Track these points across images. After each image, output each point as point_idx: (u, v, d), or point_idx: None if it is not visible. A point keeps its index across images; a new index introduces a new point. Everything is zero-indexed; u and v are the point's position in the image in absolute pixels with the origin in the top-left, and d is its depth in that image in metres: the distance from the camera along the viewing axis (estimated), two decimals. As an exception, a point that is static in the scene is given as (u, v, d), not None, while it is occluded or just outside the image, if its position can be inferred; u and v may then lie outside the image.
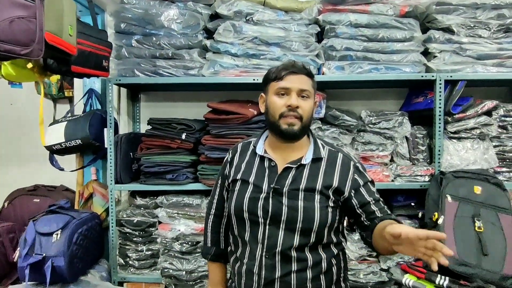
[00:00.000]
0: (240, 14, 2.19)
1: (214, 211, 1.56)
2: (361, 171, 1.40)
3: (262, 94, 1.44)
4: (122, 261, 2.32)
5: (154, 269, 2.31)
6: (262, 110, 1.43)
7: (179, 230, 2.19)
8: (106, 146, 2.29)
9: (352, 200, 1.35)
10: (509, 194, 2.01)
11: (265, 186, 1.35)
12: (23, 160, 2.87)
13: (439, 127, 2.12)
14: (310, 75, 1.38)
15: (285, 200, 1.32)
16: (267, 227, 1.32)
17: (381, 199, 1.39)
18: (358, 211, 1.36)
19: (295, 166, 1.35)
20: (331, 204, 1.33)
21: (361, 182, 1.37)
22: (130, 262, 2.31)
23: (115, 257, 2.30)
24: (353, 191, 1.35)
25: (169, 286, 2.26)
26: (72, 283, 1.94)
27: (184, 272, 2.18)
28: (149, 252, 2.31)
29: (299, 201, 1.31)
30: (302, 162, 1.35)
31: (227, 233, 1.55)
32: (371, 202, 1.35)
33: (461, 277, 1.76)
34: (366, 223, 1.35)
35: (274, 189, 1.33)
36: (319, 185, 1.33)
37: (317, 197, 1.32)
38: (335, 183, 1.34)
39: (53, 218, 1.97)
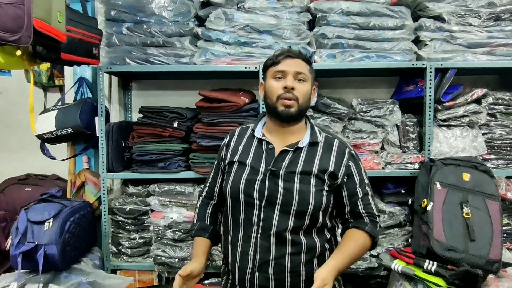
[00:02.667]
0: (231, 1, 2.17)
1: (204, 193, 1.59)
2: (356, 159, 1.43)
3: (262, 81, 1.47)
4: (115, 249, 2.33)
5: (147, 257, 2.33)
6: (262, 96, 1.47)
7: (172, 218, 2.20)
8: (97, 134, 2.28)
9: (343, 188, 1.39)
10: (497, 181, 2.04)
11: (262, 168, 1.37)
12: (14, 149, 2.85)
13: (429, 115, 2.14)
14: (306, 60, 1.41)
15: (281, 183, 1.34)
16: (262, 209, 1.34)
17: (369, 192, 1.42)
18: (345, 202, 1.40)
19: (292, 149, 1.37)
20: (326, 188, 1.36)
21: (355, 170, 1.40)
22: (123, 250, 2.32)
23: (107, 245, 2.31)
24: (345, 177, 1.38)
25: (162, 274, 2.28)
26: (65, 271, 1.95)
27: (176, 260, 2.20)
28: (142, 240, 2.32)
29: (295, 183, 1.33)
30: (299, 146, 1.38)
31: (214, 213, 1.57)
32: (359, 195, 1.39)
33: (449, 262, 1.79)
34: (347, 217, 1.42)
35: (271, 171, 1.35)
36: (315, 169, 1.35)
37: (313, 180, 1.34)
38: (331, 167, 1.36)
39: (45, 206, 1.97)
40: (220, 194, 1.53)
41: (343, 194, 1.39)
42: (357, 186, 1.39)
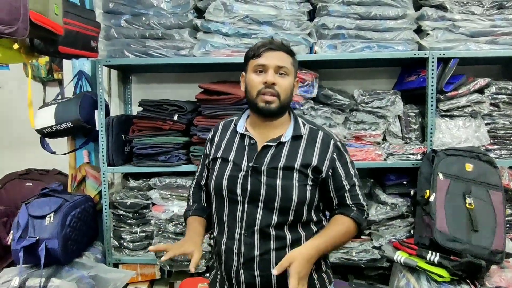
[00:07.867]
0: (230, -8, 2.15)
1: (194, 184, 1.59)
2: (341, 150, 1.39)
3: (243, 73, 1.43)
4: (116, 243, 2.32)
5: (148, 250, 2.32)
6: (242, 89, 1.42)
7: (173, 211, 2.20)
8: (97, 128, 2.27)
9: (329, 181, 1.36)
10: (500, 171, 2.02)
11: (244, 165, 1.34)
12: (14, 144, 2.84)
13: (431, 105, 2.12)
14: (289, 52, 1.36)
15: (263, 179, 1.31)
16: (246, 205, 1.32)
17: (356, 182, 1.39)
18: (332, 196, 1.38)
19: (274, 144, 1.35)
20: (310, 182, 1.33)
21: (340, 162, 1.37)
22: (125, 243, 2.32)
23: (109, 239, 2.31)
24: (330, 170, 1.35)
25: (164, 267, 2.29)
26: (67, 265, 1.95)
27: (178, 253, 2.19)
28: (143, 234, 2.32)
29: (278, 179, 1.31)
30: (281, 140, 1.35)
31: (208, 198, 1.54)
32: (346, 188, 1.37)
33: (452, 252, 1.79)
34: (335, 210, 1.39)
35: (253, 168, 1.32)
36: (297, 164, 1.32)
37: (296, 175, 1.32)
38: (314, 162, 1.33)
39: (45, 201, 1.97)
40: (207, 189, 1.51)
41: (330, 188, 1.37)
42: (343, 179, 1.36)
